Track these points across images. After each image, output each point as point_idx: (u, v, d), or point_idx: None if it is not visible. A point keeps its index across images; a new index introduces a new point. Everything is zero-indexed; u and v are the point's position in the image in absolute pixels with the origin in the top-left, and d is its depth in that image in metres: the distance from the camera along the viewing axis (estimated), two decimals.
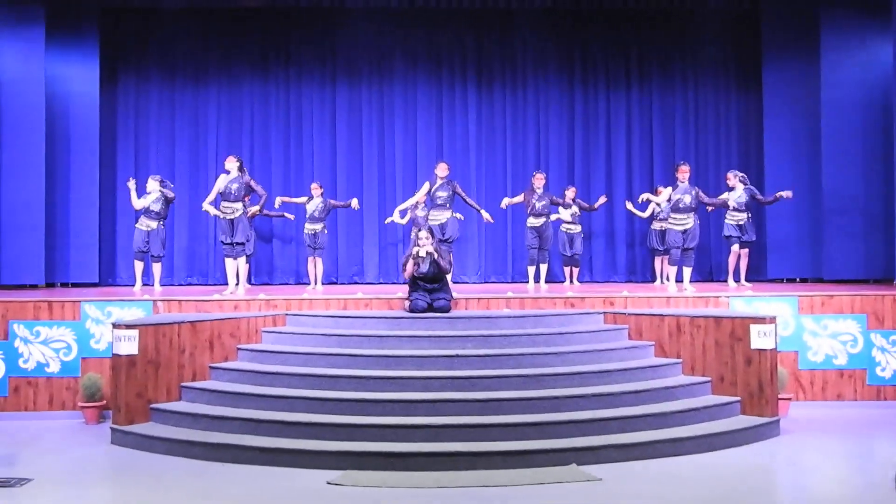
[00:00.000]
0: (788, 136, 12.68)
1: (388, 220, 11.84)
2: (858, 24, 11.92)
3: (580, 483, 6.19)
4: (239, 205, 10.12)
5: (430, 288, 8.96)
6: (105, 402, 8.55)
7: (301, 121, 13.58)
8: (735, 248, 10.93)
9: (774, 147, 12.79)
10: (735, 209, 10.88)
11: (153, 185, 11.01)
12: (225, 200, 10.10)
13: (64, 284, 12.24)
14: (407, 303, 9.00)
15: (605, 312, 9.00)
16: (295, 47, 13.58)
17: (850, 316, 9.11)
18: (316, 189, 11.81)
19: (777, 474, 6.77)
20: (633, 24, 13.62)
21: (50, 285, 11.97)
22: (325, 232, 11.83)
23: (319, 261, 11.78)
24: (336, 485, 6.19)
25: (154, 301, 9.03)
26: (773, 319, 7.97)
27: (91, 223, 12.36)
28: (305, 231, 11.79)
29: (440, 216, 10.69)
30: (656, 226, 12.13)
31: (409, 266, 9.02)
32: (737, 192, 10.91)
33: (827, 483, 6.54)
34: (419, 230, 9.44)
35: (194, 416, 7.42)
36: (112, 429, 7.63)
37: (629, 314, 8.83)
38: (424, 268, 8.93)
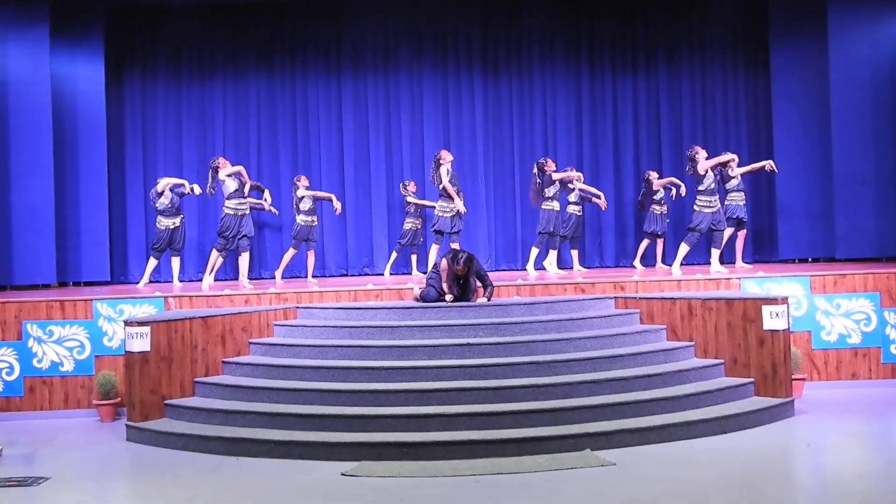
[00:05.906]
0: (798, 116, 12.56)
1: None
2: (866, 1, 11.80)
3: (595, 468, 6.20)
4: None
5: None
6: (120, 399, 8.59)
7: (307, 114, 13.55)
8: None
9: (784, 128, 12.66)
10: None
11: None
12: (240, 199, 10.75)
13: (76, 283, 12.26)
14: (417, 290, 8.95)
15: (615, 297, 8.98)
16: (300, 41, 13.54)
17: (863, 294, 9.06)
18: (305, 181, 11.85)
19: (793, 455, 6.74)
20: (638, 8, 13.52)
21: (62, 285, 11.99)
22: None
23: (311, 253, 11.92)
24: (351, 476, 6.20)
25: (165, 298, 9.06)
26: (785, 300, 7.93)
27: (101, 222, 12.36)
28: (306, 224, 11.70)
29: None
30: (658, 209, 12.11)
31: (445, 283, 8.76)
32: None
33: (845, 462, 6.50)
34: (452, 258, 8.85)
35: (208, 411, 7.45)
36: (127, 426, 7.68)
37: (640, 298, 8.81)
38: (455, 290, 8.75)
